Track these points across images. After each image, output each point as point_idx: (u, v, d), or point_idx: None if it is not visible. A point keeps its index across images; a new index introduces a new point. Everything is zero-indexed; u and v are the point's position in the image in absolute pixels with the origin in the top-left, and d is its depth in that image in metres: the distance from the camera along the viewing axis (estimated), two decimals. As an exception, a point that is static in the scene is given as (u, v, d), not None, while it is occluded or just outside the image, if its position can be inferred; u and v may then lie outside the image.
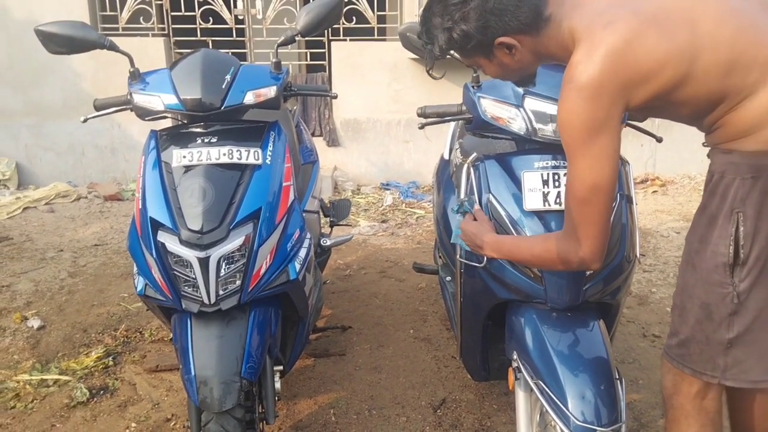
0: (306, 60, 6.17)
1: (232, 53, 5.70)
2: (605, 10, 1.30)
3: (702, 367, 1.40)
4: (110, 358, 2.81)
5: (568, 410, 1.53)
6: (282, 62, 2.16)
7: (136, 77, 2.03)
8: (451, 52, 1.47)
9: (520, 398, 1.78)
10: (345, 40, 5.89)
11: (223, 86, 1.94)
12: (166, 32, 5.89)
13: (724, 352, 1.36)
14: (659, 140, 2.15)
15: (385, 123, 5.98)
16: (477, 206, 1.81)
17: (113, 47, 2.02)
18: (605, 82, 1.25)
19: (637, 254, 1.85)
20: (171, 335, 2.13)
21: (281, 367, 2.06)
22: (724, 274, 1.32)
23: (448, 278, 2.61)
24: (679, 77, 1.26)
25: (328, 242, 2.67)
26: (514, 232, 1.77)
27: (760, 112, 1.24)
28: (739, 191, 1.27)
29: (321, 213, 3.00)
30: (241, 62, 2.12)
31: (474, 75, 1.96)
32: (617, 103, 1.28)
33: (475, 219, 1.73)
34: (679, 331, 1.44)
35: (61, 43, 1.98)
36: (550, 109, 1.79)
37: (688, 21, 1.27)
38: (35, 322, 3.14)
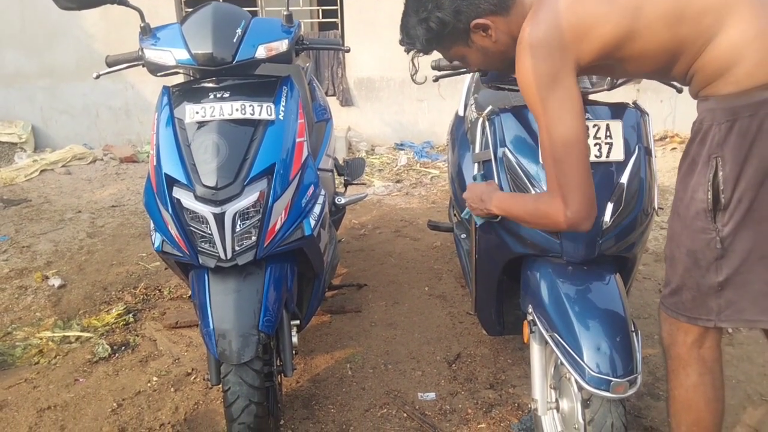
0: (318, 17, 6.08)
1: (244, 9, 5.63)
2: None
3: (696, 312, 1.41)
4: (130, 315, 2.87)
5: (583, 362, 1.53)
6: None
7: (147, 32, 2.00)
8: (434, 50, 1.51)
9: (535, 351, 1.79)
10: (358, -4, 5.79)
11: (234, 40, 1.91)
12: (176, -9, 5.82)
13: (715, 295, 1.36)
14: (680, 90, 2.09)
15: (398, 81, 5.90)
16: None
17: (123, 2, 1.99)
18: (549, 39, 1.32)
19: (655, 207, 1.82)
20: (189, 293, 2.16)
21: (298, 322, 2.08)
22: (705, 220, 1.32)
23: (463, 235, 2.61)
24: (623, 32, 1.31)
25: (343, 201, 2.67)
26: (529, 185, 1.75)
27: (724, 54, 1.25)
28: (716, 137, 1.28)
29: (335, 172, 2.99)
30: (256, 16, 2.09)
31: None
32: (565, 59, 1.33)
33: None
34: (671, 280, 1.45)
35: (72, -2, 1.95)
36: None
37: None
38: (56, 281, 3.20)
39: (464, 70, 2.05)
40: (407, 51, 1.58)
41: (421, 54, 1.56)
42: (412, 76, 1.74)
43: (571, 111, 1.34)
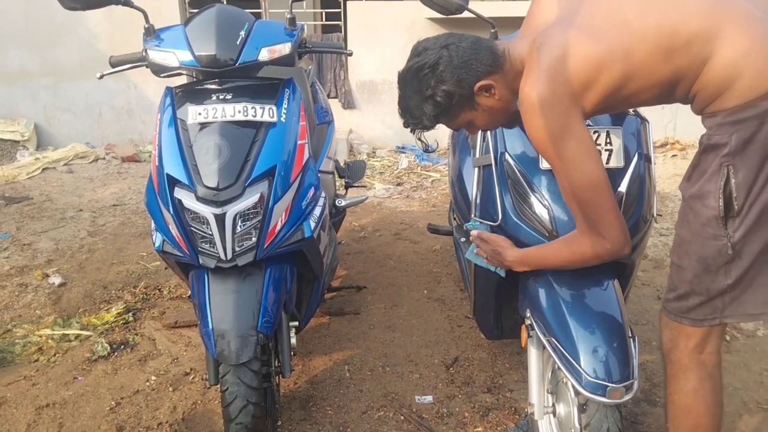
0: (321, 20, 6.10)
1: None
2: (540, 33, 1.42)
3: (701, 314, 1.43)
4: (130, 314, 2.88)
5: (580, 366, 1.54)
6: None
7: (151, 33, 2.02)
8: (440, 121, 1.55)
9: (533, 355, 1.80)
10: (361, -1, 5.80)
11: (238, 42, 1.92)
12: (180, -9, 5.84)
13: (722, 296, 1.39)
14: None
15: (401, 85, 5.92)
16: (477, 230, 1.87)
17: (128, 3, 2.01)
18: (551, 95, 1.35)
19: (654, 214, 1.83)
20: (189, 293, 2.17)
21: (297, 323, 2.09)
22: (717, 227, 1.34)
23: (463, 239, 2.61)
24: (620, 75, 1.35)
25: (343, 203, 2.68)
26: (529, 190, 1.76)
27: (722, 73, 1.28)
28: (726, 147, 1.30)
29: (336, 174, 3.00)
30: (260, 19, 2.10)
31: (492, 31, 1.93)
32: (571, 111, 1.37)
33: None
34: (678, 286, 1.46)
35: (77, -2, 1.96)
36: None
37: (617, 23, 1.35)
38: (56, 279, 3.21)
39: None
40: (413, 131, 1.62)
41: (425, 130, 1.59)
42: (424, 151, 1.80)
43: (588, 156, 1.39)
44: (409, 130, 1.61)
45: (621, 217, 1.45)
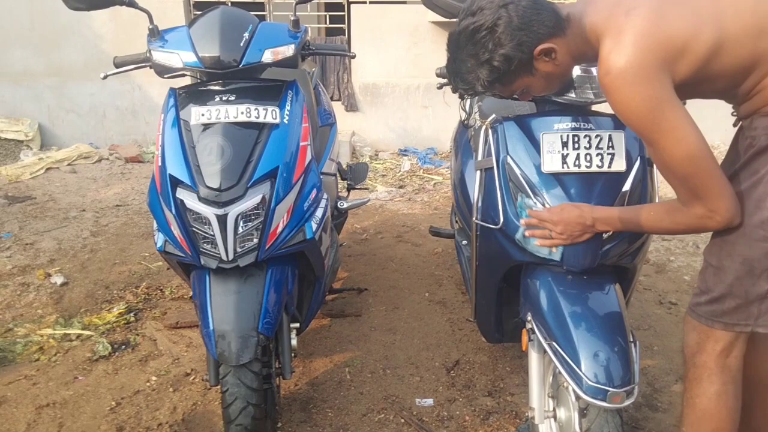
0: (325, 23, 6.11)
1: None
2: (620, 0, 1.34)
3: (735, 319, 1.41)
4: (131, 314, 2.88)
5: (581, 371, 1.54)
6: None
7: (155, 34, 2.02)
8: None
9: (533, 359, 1.80)
10: (365, 2, 5.81)
11: (242, 44, 1.93)
12: (185, -7, 5.86)
13: (759, 302, 1.38)
14: (683, 103, 2.10)
15: (404, 88, 5.92)
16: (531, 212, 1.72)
17: (133, 4, 2.01)
18: (645, 62, 1.27)
19: (656, 219, 1.83)
20: (191, 293, 2.17)
21: (298, 325, 2.08)
22: None
23: (464, 242, 2.61)
24: (713, 45, 1.28)
25: (345, 205, 2.68)
26: (532, 194, 1.75)
27: None
28: None
29: (338, 176, 3.00)
30: (263, 21, 2.11)
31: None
32: (665, 79, 1.29)
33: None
34: (712, 288, 1.44)
35: (82, -1, 1.97)
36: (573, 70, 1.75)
37: None
38: (58, 279, 3.22)
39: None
40: (461, 97, 1.56)
41: (474, 96, 1.54)
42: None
43: (687, 124, 1.31)
44: (457, 95, 1.53)
45: (728, 184, 1.35)
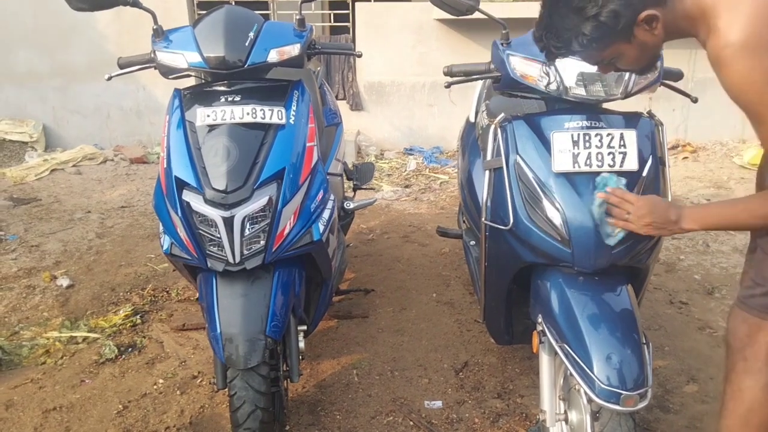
0: (330, 21, 6.09)
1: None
2: None
3: None
4: (138, 317, 2.87)
5: (593, 374, 1.52)
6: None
7: (160, 35, 2.00)
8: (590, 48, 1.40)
9: (544, 362, 1.77)
10: (369, 0, 5.78)
11: (247, 44, 1.91)
12: (189, -7, 5.84)
13: None
14: (695, 100, 2.07)
15: (409, 86, 5.90)
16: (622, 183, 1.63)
17: (136, 4, 2.00)
18: (765, 34, 1.24)
19: (669, 218, 1.80)
20: (197, 295, 2.16)
21: (305, 327, 2.07)
22: None
23: (472, 242, 2.59)
24: None
25: (352, 205, 2.66)
26: (542, 194, 1.73)
27: None
28: None
29: (344, 176, 2.98)
30: (269, 20, 2.09)
31: (503, 32, 1.90)
32: None
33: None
34: None
35: (85, -1, 1.95)
36: (582, 67, 1.73)
37: None
38: (64, 281, 3.21)
39: (477, 76, 2.02)
40: (551, 58, 1.48)
41: (563, 57, 1.45)
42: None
43: None
44: (544, 56, 1.45)
45: None
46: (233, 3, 5.62)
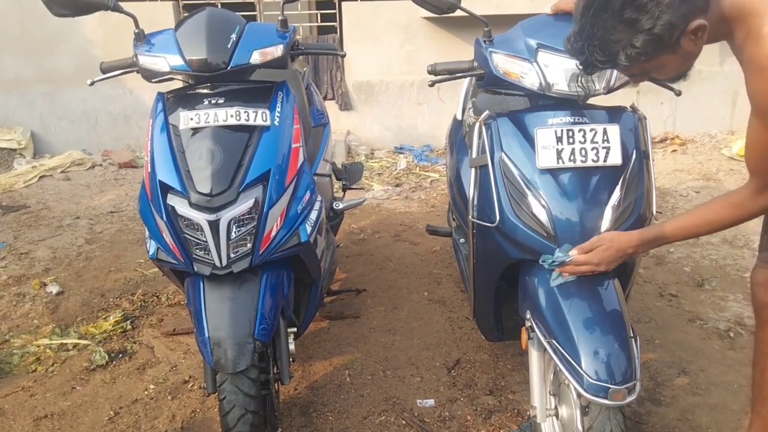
0: (317, 21, 6.07)
1: (242, 15, 5.61)
2: None
3: None
4: (128, 322, 2.85)
5: (581, 369, 1.52)
6: (291, 23, 2.11)
7: (141, 39, 1.99)
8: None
9: (534, 358, 1.77)
10: (356, 0, 5.77)
11: (229, 45, 1.90)
12: (175, -4, 5.82)
13: None
14: (678, 93, 2.08)
15: (398, 85, 5.89)
16: (572, 252, 1.66)
17: (118, 8, 1.99)
18: None
19: (654, 212, 1.81)
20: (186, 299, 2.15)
21: (295, 329, 2.06)
22: None
23: (462, 240, 2.59)
24: None
25: (341, 206, 2.66)
26: (527, 191, 1.73)
27: None
28: None
29: (333, 176, 2.98)
30: (251, 21, 2.08)
31: (485, 30, 1.91)
32: None
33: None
34: None
35: (65, 4, 1.94)
36: (565, 63, 1.73)
37: None
38: (54, 288, 3.19)
39: (461, 74, 2.02)
40: (591, 70, 1.43)
41: (603, 70, 1.43)
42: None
43: None
44: (580, 70, 1.40)
45: None
46: (219, 4, 5.61)
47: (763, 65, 1.26)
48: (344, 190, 3.17)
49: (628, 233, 1.61)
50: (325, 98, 5.81)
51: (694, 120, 5.84)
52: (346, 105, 5.92)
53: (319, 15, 5.99)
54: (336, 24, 5.93)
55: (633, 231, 1.62)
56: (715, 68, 5.69)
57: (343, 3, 5.77)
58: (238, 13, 2.14)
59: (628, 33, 1.28)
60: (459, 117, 2.82)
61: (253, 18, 5.82)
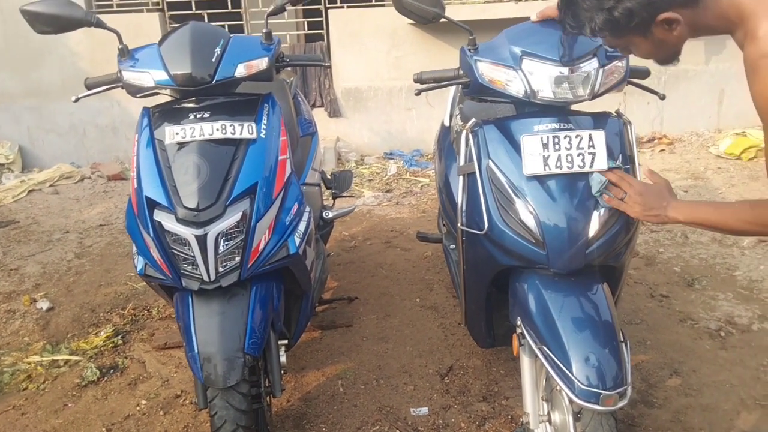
0: (304, 29, 6.08)
1: (229, 26, 5.61)
2: None
3: None
4: (119, 337, 2.84)
5: (572, 374, 1.52)
6: (279, 33, 2.11)
7: (125, 54, 1.99)
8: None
9: (525, 364, 1.78)
10: (342, 7, 5.78)
11: (213, 59, 1.89)
12: (160, 7, 5.80)
13: None
14: (662, 97, 2.09)
15: (386, 91, 5.90)
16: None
17: (100, 24, 1.98)
18: None
19: (641, 216, 1.81)
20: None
21: (286, 341, 2.06)
22: None
23: (452, 246, 2.59)
24: None
25: (331, 214, 2.65)
26: (515, 198, 1.73)
27: None
28: None
29: (323, 185, 2.97)
30: (235, 34, 2.08)
31: (470, 38, 1.91)
32: None
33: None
34: None
35: (47, 21, 1.93)
36: (550, 70, 1.74)
37: None
38: (44, 304, 3.17)
39: (447, 82, 2.02)
40: (566, 33, 1.52)
41: (587, 35, 1.45)
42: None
43: None
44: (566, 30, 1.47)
45: None
46: (205, 16, 5.60)
47: (757, 66, 1.27)
48: (334, 198, 3.17)
49: (679, 200, 1.58)
50: (313, 105, 5.81)
51: (681, 119, 5.88)
52: (335, 112, 5.92)
53: (306, 23, 6.00)
54: (323, 32, 5.93)
55: (687, 204, 1.59)
56: (701, 67, 5.73)
57: (329, 10, 5.77)
58: (224, 24, 2.13)
59: (593, 7, 1.36)
60: (447, 123, 2.83)
61: (240, 29, 5.82)
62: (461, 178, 1.94)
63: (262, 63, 1.98)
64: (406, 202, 4.71)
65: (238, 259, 1.79)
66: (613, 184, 1.67)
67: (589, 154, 1.69)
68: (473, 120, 1.90)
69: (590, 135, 1.69)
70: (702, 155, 5.34)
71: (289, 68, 2.89)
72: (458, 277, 2.23)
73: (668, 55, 1.46)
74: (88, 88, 2.08)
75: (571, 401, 1.58)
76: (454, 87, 2.91)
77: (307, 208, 2.07)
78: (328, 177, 3.15)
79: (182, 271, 1.78)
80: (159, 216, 1.77)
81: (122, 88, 2.01)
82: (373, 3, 5.83)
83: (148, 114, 1.96)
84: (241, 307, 1.81)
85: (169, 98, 2.11)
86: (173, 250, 1.76)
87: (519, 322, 1.77)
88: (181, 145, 1.83)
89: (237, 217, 1.77)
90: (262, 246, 1.83)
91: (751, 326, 2.69)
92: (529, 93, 1.79)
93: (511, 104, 1.97)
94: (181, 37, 1.93)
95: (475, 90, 1.95)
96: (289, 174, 1.98)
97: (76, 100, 2.08)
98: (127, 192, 5.16)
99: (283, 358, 1.95)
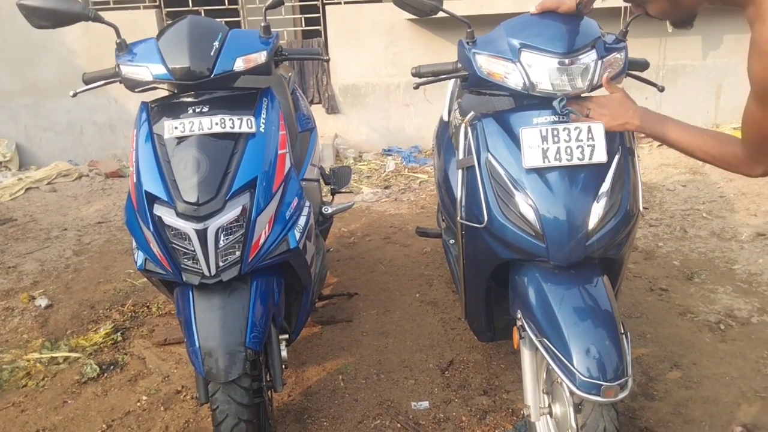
0: (301, 26, 6.06)
1: (226, 21, 5.60)
2: None
3: None
4: (119, 334, 2.83)
5: (573, 366, 1.52)
6: (275, 28, 2.10)
7: (123, 48, 1.98)
8: None
9: (526, 357, 1.78)
10: (340, 2, 5.77)
11: (212, 53, 1.89)
12: (157, 3, 5.79)
13: None
14: (661, 89, 2.09)
15: (384, 87, 5.89)
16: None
17: (98, 18, 1.97)
18: None
19: (641, 208, 1.81)
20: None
21: (287, 336, 2.05)
22: None
23: (451, 241, 2.59)
24: None
25: (330, 210, 2.65)
26: (514, 191, 1.73)
27: None
28: None
29: (321, 181, 2.97)
30: (233, 28, 2.07)
31: (468, 31, 1.91)
32: None
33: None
34: None
35: (45, 16, 1.92)
36: (548, 62, 1.73)
37: None
38: (43, 301, 3.16)
39: (445, 76, 2.02)
40: None
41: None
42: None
43: None
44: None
45: None
46: (201, 11, 5.59)
47: (765, 51, 1.26)
48: (333, 194, 3.16)
49: (649, 115, 1.64)
50: (311, 102, 5.80)
51: (679, 114, 5.82)
52: (332, 108, 5.91)
53: (303, 19, 5.99)
54: (320, 28, 5.92)
55: (655, 116, 1.64)
56: (699, 62, 5.73)
57: (326, 6, 5.76)
58: (221, 19, 2.13)
59: None
60: (445, 118, 2.82)
61: (237, 23, 5.80)
62: (460, 171, 1.94)
63: (260, 57, 1.97)
64: (404, 198, 4.71)
65: (238, 253, 1.79)
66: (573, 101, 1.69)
67: (588, 146, 1.68)
68: (472, 113, 1.90)
69: (589, 127, 1.69)
70: (700, 150, 5.33)
71: (287, 64, 2.89)
72: (458, 272, 2.23)
73: (683, 18, 1.44)
74: (86, 82, 2.07)
75: (572, 393, 1.58)
76: (452, 82, 2.92)
77: (307, 203, 2.07)
78: (327, 173, 3.14)
79: (182, 266, 1.78)
80: (159, 210, 1.76)
81: (120, 82, 2.00)
82: (371, -1, 5.82)
83: (147, 108, 1.95)
84: (241, 301, 1.81)
85: (167, 92, 2.10)
86: (173, 245, 1.76)
87: (519, 315, 1.77)
88: (180, 139, 1.82)
89: (237, 211, 1.77)
90: (262, 240, 1.83)
91: (750, 319, 2.70)
92: (528, 85, 1.78)
93: (509, 97, 1.97)
94: (179, 31, 1.92)
95: (473, 83, 1.95)
96: (289, 168, 1.98)
97: (74, 95, 2.06)
98: (125, 189, 5.16)
99: (284, 353, 1.95)
